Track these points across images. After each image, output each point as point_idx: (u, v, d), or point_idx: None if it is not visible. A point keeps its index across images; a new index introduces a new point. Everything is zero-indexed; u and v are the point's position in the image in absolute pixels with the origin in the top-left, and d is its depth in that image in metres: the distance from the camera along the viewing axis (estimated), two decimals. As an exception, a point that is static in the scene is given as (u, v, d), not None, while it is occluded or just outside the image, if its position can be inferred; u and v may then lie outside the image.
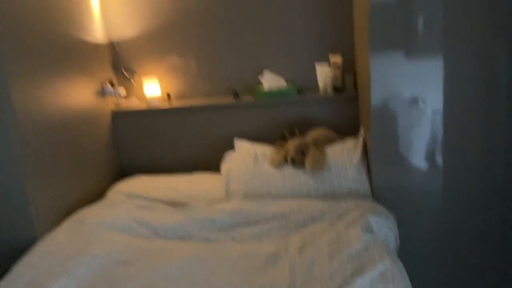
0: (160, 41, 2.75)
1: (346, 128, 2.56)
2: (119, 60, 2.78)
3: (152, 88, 2.74)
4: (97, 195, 2.46)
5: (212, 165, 2.61)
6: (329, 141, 2.38)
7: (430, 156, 2.04)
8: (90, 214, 2.10)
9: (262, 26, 2.67)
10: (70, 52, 2.31)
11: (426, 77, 1.95)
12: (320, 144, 2.33)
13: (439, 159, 2.04)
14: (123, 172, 2.81)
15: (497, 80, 1.91)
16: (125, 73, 2.79)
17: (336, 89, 2.62)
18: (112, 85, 2.71)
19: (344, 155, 2.23)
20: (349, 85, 2.62)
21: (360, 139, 2.30)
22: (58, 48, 2.20)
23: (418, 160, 2.05)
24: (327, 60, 2.63)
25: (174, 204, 2.29)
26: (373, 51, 1.94)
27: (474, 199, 2.07)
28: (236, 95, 2.70)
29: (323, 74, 2.62)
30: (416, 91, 1.97)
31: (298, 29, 2.65)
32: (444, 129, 2.00)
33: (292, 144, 2.27)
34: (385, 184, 2.10)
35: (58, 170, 2.15)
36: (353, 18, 2.54)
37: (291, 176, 2.22)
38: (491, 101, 1.95)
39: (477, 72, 1.92)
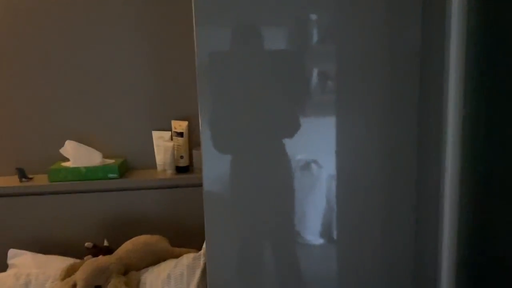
0: None
1: (192, 229, 1.74)
2: None
3: None
4: None
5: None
6: (154, 257, 1.51)
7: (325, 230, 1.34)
8: None
9: (74, 77, 1.80)
10: None
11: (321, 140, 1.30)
12: (136, 265, 1.44)
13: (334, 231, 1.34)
14: None
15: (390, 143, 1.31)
16: None
17: (179, 169, 1.82)
18: None
19: (171, 286, 1.36)
20: (198, 164, 1.83)
21: (203, 253, 1.47)
22: None
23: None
24: (170, 129, 1.85)
25: None
26: (204, 120, 1.16)
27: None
28: (22, 175, 1.75)
29: (163, 147, 1.83)
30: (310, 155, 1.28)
31: (131, 86, 1.83)
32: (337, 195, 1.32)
33: (82, 271, 1.34)
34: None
35: None
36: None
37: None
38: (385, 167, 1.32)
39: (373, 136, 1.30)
